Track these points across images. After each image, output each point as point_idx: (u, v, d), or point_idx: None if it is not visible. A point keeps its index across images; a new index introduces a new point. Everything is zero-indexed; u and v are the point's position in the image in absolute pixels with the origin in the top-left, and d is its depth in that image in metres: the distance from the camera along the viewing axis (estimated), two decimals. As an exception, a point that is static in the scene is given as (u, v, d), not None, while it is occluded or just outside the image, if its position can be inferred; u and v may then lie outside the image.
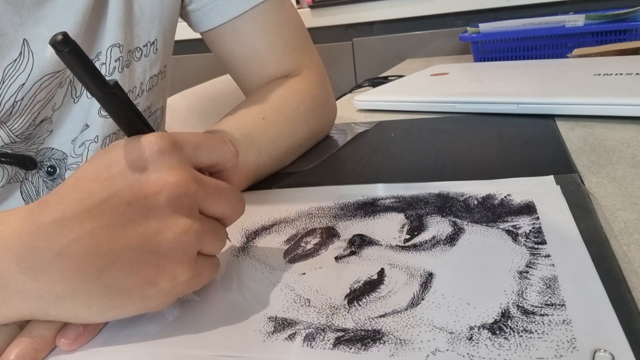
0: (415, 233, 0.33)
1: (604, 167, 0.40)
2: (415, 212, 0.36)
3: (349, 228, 0.35)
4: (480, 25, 0.96)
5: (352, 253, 0.31)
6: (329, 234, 0.34)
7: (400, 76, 0.88)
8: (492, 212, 0.34)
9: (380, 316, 0.25)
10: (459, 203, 0.36)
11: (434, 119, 0.61)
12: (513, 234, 0.31)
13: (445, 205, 0.36)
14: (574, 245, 0.28)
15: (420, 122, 0.59)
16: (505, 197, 0.36)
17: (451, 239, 0.31)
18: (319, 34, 1.44)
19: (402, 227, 0.34)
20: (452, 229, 0.33)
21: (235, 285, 0.30)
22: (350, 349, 0.23)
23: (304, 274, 0.30)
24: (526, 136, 0.49)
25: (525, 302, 0.24)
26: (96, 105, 0.45)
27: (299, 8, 1.45)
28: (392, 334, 0.24)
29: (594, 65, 0.69)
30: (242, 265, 0.32)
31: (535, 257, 0.28)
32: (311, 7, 1.41)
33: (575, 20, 0.87)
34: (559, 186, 0.36)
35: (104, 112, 0.45)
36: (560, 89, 0.60)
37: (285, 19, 0.54)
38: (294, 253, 0.32)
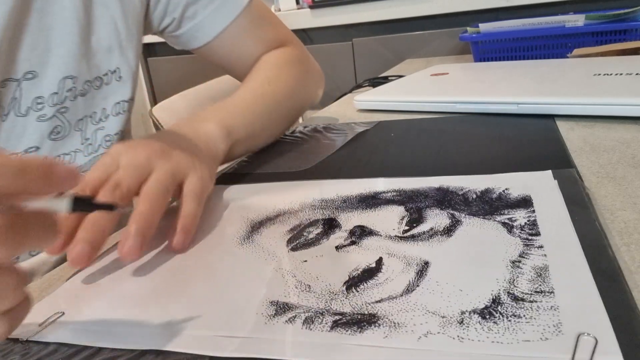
0: (414, 225, 0.34)
1: (604, 167, 0.40)
2: (415, 205, 0.37)
3: (350, 219, 0.36)
4: (480, 25, 0.96)
5: (352, 243, 0.32)
6: (331, 225, 0.35)
7: (400, 76, 0.88)
8: (489, 205, 0.35)
9: (377, 301, 0.26)
10: (458, 196, 0.37)
11: (434, 119, 0.61)
12: (508, 226, 0.32)
13: (444, 198, 0.37)
14: (567, 237, 0.29)
15: (420, 122, 0.60)
16: (504, 191, 0.37)
17: (448, 230, 0.32)
18: (319, 34, 1.45)
19: (402, 219, 0.35)
20: (450, 220, 0.33)
21: (239, 272, 0.31)
22: (347, 331, 0.24)
23: (306, 261, 0.31)
24: (526, 136, 0.49)
25: (516, 290, 0.25)
26: (45, 127, 0.47)
27: (298, 8, 1.46)
28: (386, 318, 0.25)
29: (594, 65, 0.69)
30: (247, 253, 0.33)
31: (528, 247, 0.29)
32: (311, 7, 1.41)
33: (575, 20, 0.87)
34: (556, 180, 0.37)
35: (54, 136, 0.48)
36: (560, 89, 0.60)
37: (259, 14, 0.60)
38: (297, 242, 0.34)
